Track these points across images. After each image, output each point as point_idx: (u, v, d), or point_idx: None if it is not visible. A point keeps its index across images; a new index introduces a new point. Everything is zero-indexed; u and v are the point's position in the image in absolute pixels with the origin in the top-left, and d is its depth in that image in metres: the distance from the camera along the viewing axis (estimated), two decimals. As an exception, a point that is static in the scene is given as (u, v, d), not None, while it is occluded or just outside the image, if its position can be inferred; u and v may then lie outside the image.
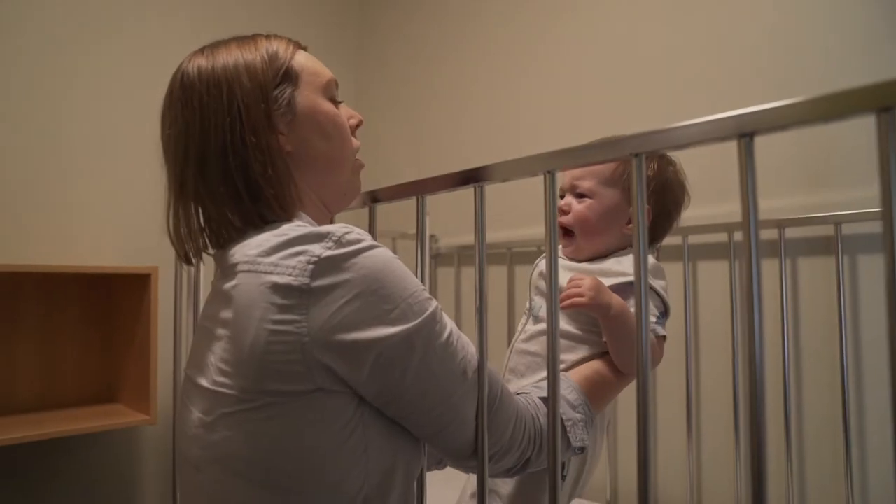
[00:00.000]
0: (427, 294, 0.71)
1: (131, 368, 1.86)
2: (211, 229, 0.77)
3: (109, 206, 1.95)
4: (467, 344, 0.74)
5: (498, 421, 0.75)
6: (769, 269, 1.43)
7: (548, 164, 0.68)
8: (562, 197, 1.04)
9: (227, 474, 0.67)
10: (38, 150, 1.83)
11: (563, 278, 0.96)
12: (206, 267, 1.69)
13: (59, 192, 1.86)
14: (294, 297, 0.64)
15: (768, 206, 1.42)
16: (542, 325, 1.00)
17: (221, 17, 2.20)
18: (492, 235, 1.96)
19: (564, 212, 1.02)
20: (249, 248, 0.69)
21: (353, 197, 0.87)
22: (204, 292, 1.62)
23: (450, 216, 2.08)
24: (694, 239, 1.55)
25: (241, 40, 0.79)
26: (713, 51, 1.55)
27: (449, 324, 0.72)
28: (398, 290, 0.67)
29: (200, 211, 0.77)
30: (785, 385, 1.37)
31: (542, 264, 1.07)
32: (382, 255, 0.68)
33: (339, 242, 0.67)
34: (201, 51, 0.79)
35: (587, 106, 1.81)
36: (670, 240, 1.58)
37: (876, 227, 1.29)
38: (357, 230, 0.70)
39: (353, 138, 0.84)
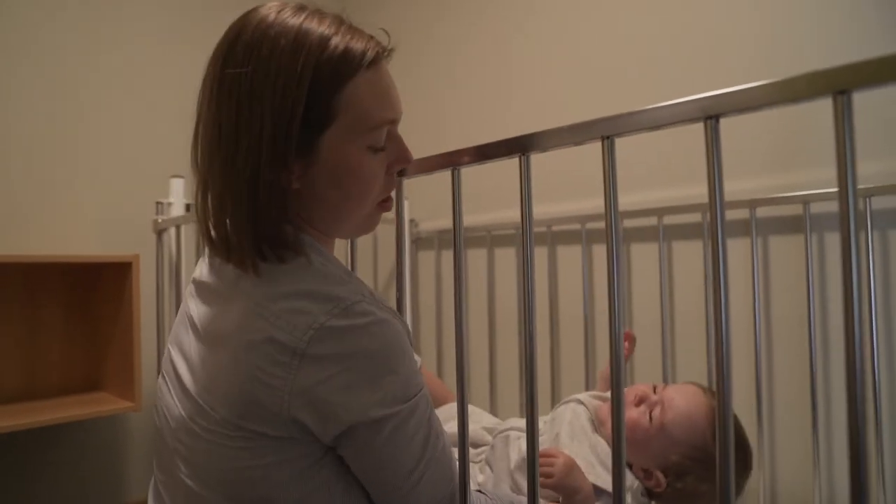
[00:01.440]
0: (417, 380, 0.70)
1: (115, 356, 1.86)
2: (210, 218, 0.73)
3: (90, 195, 1.94)
4: (438, 446, 0.73)
5: None
6: (741, 247, 1.47)
7: (522, 148, 0.70)
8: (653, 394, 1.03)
9: (200, 481, 0.69)
10: (17, 139, 1.81)
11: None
12: (188, 254, 1.70)
13: (39, 182, 1.85)
14: (287, 355, 0.64)
15: (740, 187, 1.46)
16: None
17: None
18: (470, 219, 1.98)
19: (641, 399, 1.00)
20: (259, 284, 0.68)
21: (364, 233, 0.80)
22: (185, 278, 1.63)
23: (429, 200, 2.10)
24: (669, 220, 1.58)
25: (316, 20, 0.69)
26: (683, 37, 1.58)
27: (425, 420, 0.71)
28: (388, 375, 0.66)
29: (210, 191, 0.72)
30: (756, 360, 1.41)
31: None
32: (384, 335, 0.67)
33: (346, 313, 0.65)
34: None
35: (561, 90, 1.83)
36: (645, 220, 1.62)
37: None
38: (369, 297, 0.68)
39: (383, 183, 0.76)
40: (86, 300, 1.94)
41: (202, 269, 0.79)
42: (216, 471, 0.68)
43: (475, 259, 2.03)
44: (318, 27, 0.69)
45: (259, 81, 0.66)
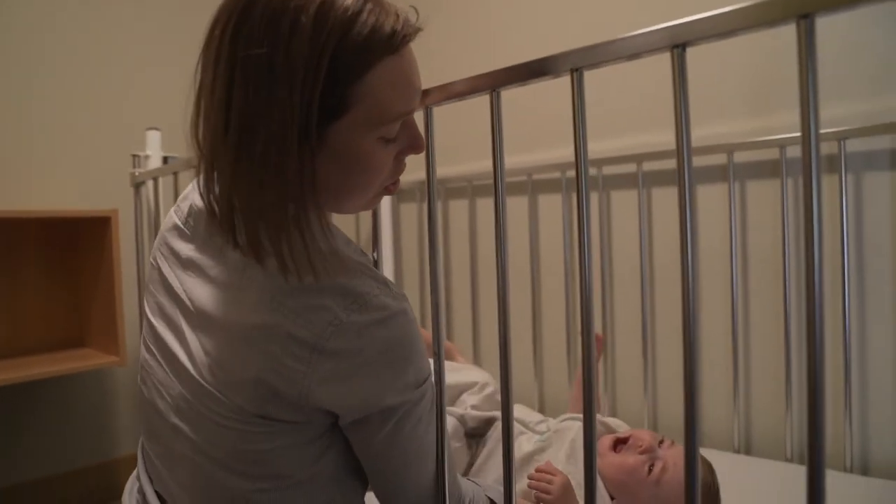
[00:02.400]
0: (426, 364, 0.72)
1: (97, 312, 1.86)
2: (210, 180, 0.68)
3: (66, 150, 1.91)
4: (431, 430, 0.75)
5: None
6: (720, 192, 1.48)
7: (491, 83, 0.70)
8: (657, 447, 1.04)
9: (206, 457, 0.69)
10: (-16, 91, 1.77)
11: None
12: (166, 207, 1.69)
13: (14, 137, 1.82)
14: (307, 350, 0.64)
15: (717, 132, 1.46)
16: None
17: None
18: (451, 169, 1.98)
19: (646, 450, 1.01)
20: (271, 276, 0.66)
21: (364, 210, 0.77)
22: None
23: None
24: (649, 166, 1.58)
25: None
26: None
27: (430, 406, 0.74)
28: (403, 364, 0.68)
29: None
30: (732, 305, 1.44)
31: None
32: (400, 327, 0.68)
33: (364, 307, 0.66)
34: None
35: (529, 26, 1.80)
36: (626, 167, 1.62)
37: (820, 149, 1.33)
38: (383, 287, 0.68)
39: (391, 170, 0.72)
40: (65, 257, 1.93)
41: (188, 244, 0.75)
42: (226, 449, 0.68)
43: (457, 210, 2.03)
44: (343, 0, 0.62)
45: (278, 65, 0.60)
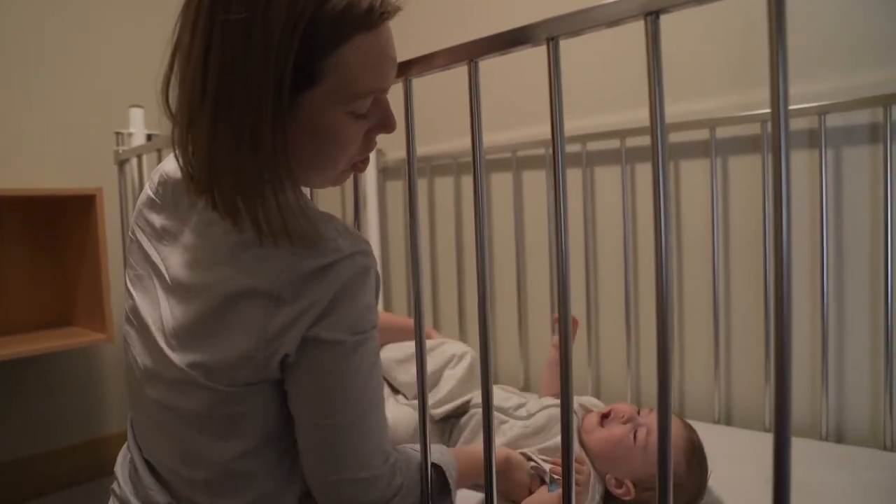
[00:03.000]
0: (371, 318, 0.71)
1: (84, 291, 1.86)
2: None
3: (49, 128, 1.90)
4: (376, 400, 0.73)
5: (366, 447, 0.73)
6: (703, 168, 1.49)
7: (469, 54, 0.70)
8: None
9: (189, 426, 0.70)
10: (-36, 68, 1.75)
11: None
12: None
13: (-9, 113, 1.80)
14: (265, 299, 0.65)
15: (700, 107, 1.47)
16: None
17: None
18: (436, 147, 1.98)
19: (628, 419, 1.04)
20: (232, 232, 0.68)
21: (331, 185, 0.78)
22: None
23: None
24: (632, 142, 1.59)
25: None
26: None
27: (369, 364, 0.71)
28: (346, 303, 0.67)
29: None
30: (714, 277, 1.46)
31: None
32: (352, 268, 0.67)
33: (322, 252, 0.66)
34: None
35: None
36: (609, 143, 1.63)
37: (800, 123, 1.35)
38: (345, 233, 0.69)
39: (360, 147, 0.72)
40: (51, 236, 1.92)
41: (160, 215, 0.76)
42: (199, 414, 0.69)
43: (443, 188, 2.04)
44: None
45: (256, 30, 0.61)
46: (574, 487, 0.66)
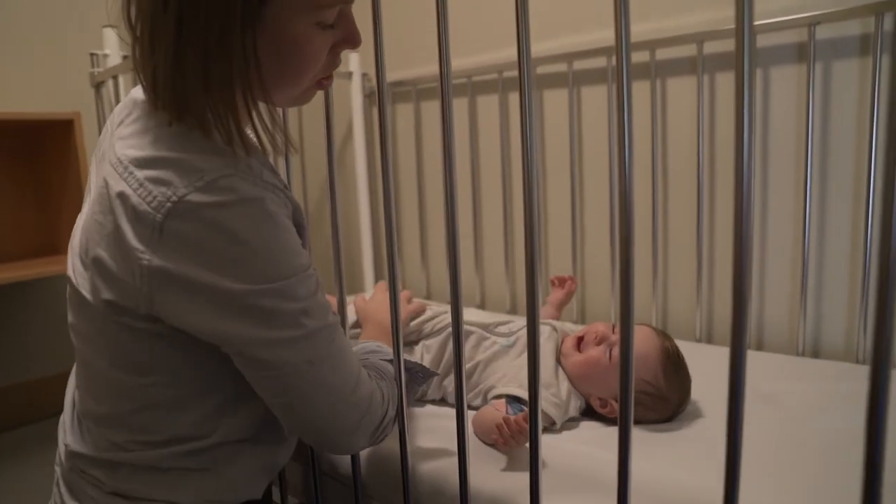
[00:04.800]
0: (292, 261, 0.66)
1: (68, 217, 1.84)
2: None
3: (24, 48, 1.84)
4: (331, 344, 0.70)
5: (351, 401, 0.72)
6: (689, 84, 1.46)
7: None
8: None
9: (92, 351, 0.71)
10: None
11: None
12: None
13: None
14: (147, 227, 0.61)
15: (687, 21, 1.43)
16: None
17: None
18: (419, 70, 1.93)
19: (601, 339, 1.05)
20: (132, 145, 0.65)
21: (295, 105, 0.76)
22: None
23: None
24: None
25: None
26: None
27: (308, 309, 0.67)
28: (248, 256, 0.63)
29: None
30: (699, 197, 1.45)
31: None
32: (248, 215, 0.63)
33: (208, 188, 0.61)
34: None
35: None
36: (597, 61, 1.59)
37: (789, 36, 1.31)
38: (241, 174, 0.64)
39: (325, 63, 0.70)
40: (31, 165, 1.90)
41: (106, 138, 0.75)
42: (97, 335, 0.69)
43: (430, 112, 2.01)
44: None
45: None
46: (540, 412, 0.66)
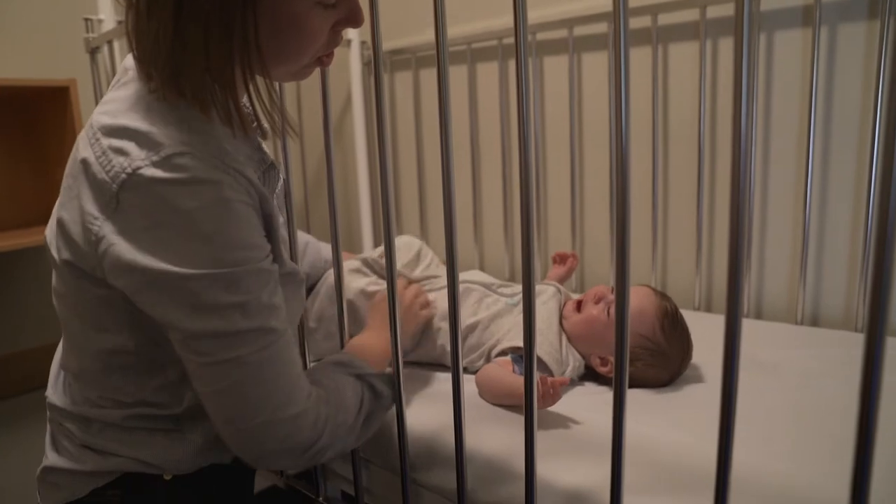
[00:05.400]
0: (243, 254, 0.63)
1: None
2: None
3: (16, 14, 1.81)
4: (264, 345, 0.65)
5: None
6: (691, 50, 1.44)
7: None
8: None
9: (65, 310, 0.72)
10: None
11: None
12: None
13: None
14: (104, 196, 0.62)
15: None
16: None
17: None
18: (417, 38, 1.91)
19: (600, 298, 1.06)
20: (107, 111, 0.66)
21: (293, 80, 0.74)
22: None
23: (381, 21, 1.99)
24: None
25: None
26: None
27: (246, 302, 0.63)
28: (197, 240, 0.61)
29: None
30: (699, 164, 1.43)
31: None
32: (200, 197, 0.61)
33: (163, 164, 0.60)
34: None
35: None
36: (598, 27, 1.56)
37: (791, 0, 1.29)
38: (200, 153, 0.62)
39: (326, 41, 0.69)
40: (26, 133, 1.88)
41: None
42: (71, 303, 0.70)
43: (429, 80, 1.98)
44: None
45: None
46: (535, 364, 0.66)
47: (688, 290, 1.52)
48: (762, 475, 0.72)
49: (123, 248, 0.61)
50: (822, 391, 0.96)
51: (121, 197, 0.61)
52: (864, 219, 1.25)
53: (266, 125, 0.73)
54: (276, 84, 0.76)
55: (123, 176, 0.61)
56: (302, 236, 1.21)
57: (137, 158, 0.61)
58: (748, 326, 1.30)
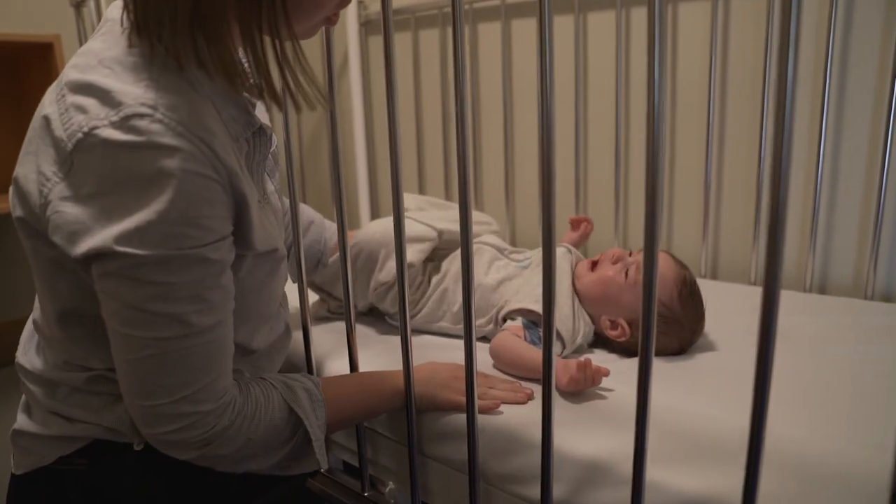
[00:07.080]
0: (186, 242, 0.59)
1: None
2: None
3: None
4: (189, 332, 0.62)
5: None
6: (702, 8, 1.39)
7: None
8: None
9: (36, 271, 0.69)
10: None
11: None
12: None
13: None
14: (60, 154, 0.59)
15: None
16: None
17: None
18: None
19: (618, 258, 1.03)
20: (77, 65, 0.62)
21: (300, 39, 0.68)
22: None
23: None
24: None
25: None
26: None
27: (180, 293, 0.60)
28: (142, 211, 0.56)
29: None
30: (708, 129, 1.40)
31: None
32: (157, 164, 0.56)
33: (122, 125, 0.56)
34: None
35: None
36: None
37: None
38: (170, 118, 0.57)
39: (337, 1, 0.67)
40: (8, 91, 1.82)
41: None
42: (40, 276, 0.68)
43: (428, 41, 1.92)
44: None
45: None
46: (553, 335, 0.63)
47: (693, 258, 1.50)
48: (777, 440, 0.70)
49: (66, 217, 0.58)
50: (833, 357, 0.94)
51: (74, 158, 0.58)
52: (878, 186, 1.22)
53: (257, 82, 0.67)
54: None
55: (79, 135, 0.57)
56: (306, 214, 1.11)
57: (96, 118, 0.57)
58: (757, 294, 1.28)
